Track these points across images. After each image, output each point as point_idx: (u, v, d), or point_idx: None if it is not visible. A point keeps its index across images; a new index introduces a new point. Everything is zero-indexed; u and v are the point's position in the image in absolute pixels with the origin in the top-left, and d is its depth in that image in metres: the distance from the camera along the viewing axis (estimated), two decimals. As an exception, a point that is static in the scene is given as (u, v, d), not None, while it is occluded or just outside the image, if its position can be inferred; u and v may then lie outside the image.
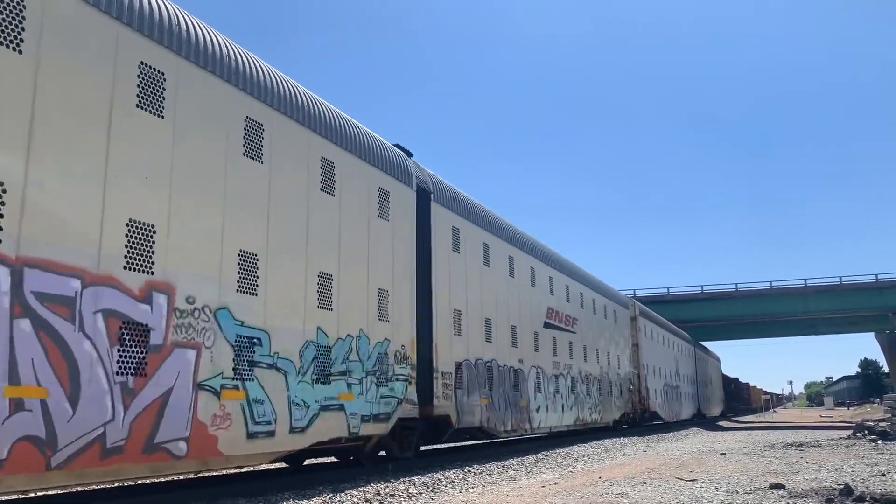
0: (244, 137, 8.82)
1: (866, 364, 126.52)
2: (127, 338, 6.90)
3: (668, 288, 54.37)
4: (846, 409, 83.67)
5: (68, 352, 6.32)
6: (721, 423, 47.21)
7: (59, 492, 9.20)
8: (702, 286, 53.83)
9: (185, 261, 7.75)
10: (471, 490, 9.61)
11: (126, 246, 7.05)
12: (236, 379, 8.28)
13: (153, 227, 7.40)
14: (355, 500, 8.54)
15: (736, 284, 53.25)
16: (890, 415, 32.32)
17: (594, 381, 24.08)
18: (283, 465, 13.15)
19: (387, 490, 9.29)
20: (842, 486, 8.64)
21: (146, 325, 7.16)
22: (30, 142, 6.27)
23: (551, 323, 20.25)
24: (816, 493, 8.53)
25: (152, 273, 7.32)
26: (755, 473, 11.14)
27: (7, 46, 6.20)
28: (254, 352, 8.62)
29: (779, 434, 27.23)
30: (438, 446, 17.11)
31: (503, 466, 13.03)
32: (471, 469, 12.30)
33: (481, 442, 18.28)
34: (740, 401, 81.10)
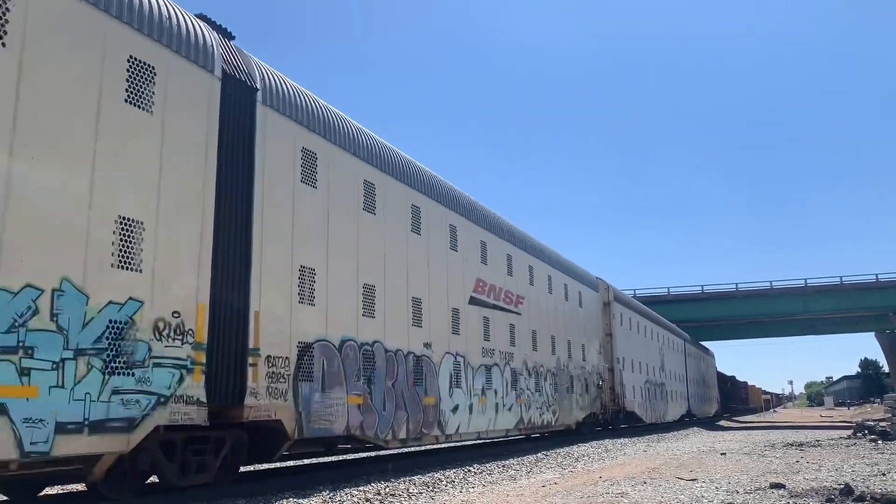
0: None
1: (866, 364, 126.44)
2: None
3: (668, 288, 54.38)
4: (846, 408, 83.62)
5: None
6: (721, 423, 47.18)
7: (60, 491, 9.20)
8: (702, 286, 53.82)
9: None
10: (471, 490, 9.61)
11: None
12: None
13: None
14: (355, 499, 8.54)
15: (736, 284, 53.25)
16: (890, 415, 32.28)
17: (548, 374, 19.91)
18: (283, 464, 13.15)
19: (387, 490, 9.29)
20: (842, 486, 8.64)
21: None
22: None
23: (482, 299, 16.10)
24: (817, 493, 8.52)
25: None
26: (755, 473, 11.13)
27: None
28: None
29: (779, 434, 27.23)
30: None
31: (503, 466, 13.03)
32: (471, 469, 12.29)
33: (481, 442, 18.14)
34: (738, 400, 78.48)
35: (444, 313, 14.29)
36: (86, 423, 6.76)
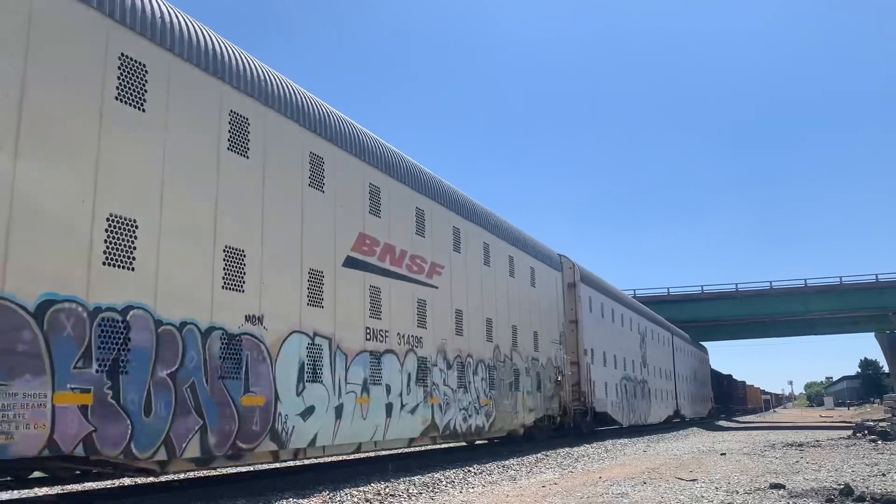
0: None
1: (866, 364, 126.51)
2: None
3: (668, 288, 54.41)
4: (846, 409, 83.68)
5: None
6: (720, 424, 47.17)
7: (60, 491, 9.20)
8: (702, 286, 53.85)
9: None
10: (471, 490, 9.61)
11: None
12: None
13: None
14: (355, 499, 8.54)
15: (736, 284, 53.27)
16: (890, 415, 32.29)
17: (480, 366, 15.39)
18: (283, 464, 13.14)
19: (387, 490, 9.30)
20: (842, 486, 8.64)
21: None
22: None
23: (368, 262, 11.70)
24: (816, 493, 8.52)
25: None
26: (755, 473, 11.14)
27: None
28: None
29: (779, 434, 27.24)
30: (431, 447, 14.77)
31: (503, 466, 13.03)
32: (471, 469, 12.30)
33: (481, 442, 18.10)
34: (735, 400, 74.58)
35: (292, 275, 9.81)
36: None
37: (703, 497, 8.38)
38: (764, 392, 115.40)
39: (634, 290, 51.13)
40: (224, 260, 8.60)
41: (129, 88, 7.58)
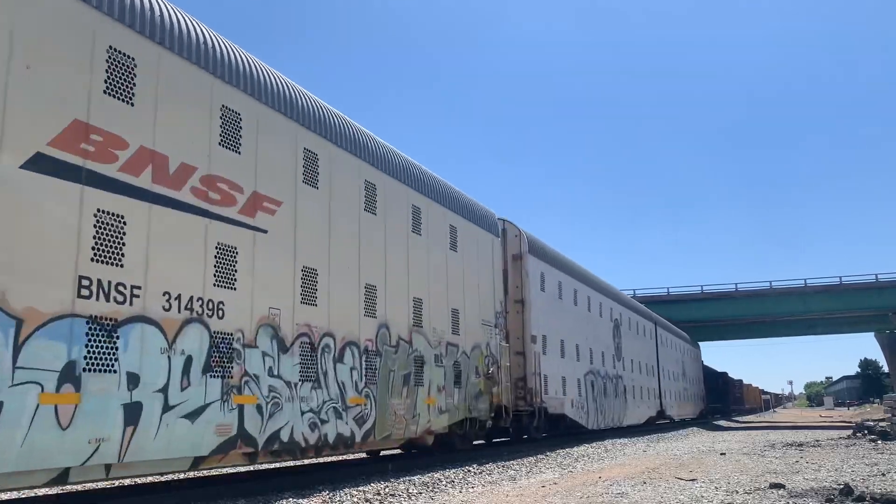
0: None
1: (866, 364, 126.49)
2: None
3: (667, 288, 54.44)
4: (846, 408, 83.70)
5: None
6: (720, 423, 47.16)
7: (60, 491, 9.20)
8: (702, 286, 53.87)
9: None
10: (471, 490, 9.62)
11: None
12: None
13: None
14: (355, 499, 8.55)
15: (736, 284, 53.29)
16: (890, 415, 32.30)
17: (350, 351, 10.94)
18: (283, 465, 13.15)
19: (387, 490, 9.30)
20: (842, 486, 8.65)
21: None
22: None
23: (102, 173, 7.22)
24: (816, 493, 8.53)
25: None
26: (755, 473, 11.14)
27: None
28: None
29: (778, 434, 27.25)
30: None
31: (503, 466, 13.04)
32: (471, 469, 12.30)
33: (480, 443, 17.91)
34: (732, 400, 69.78)
35: None
36: None
37: (702, 497, 8.39)
38: (764, 392, 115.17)
39: (634, 290, 51.19)
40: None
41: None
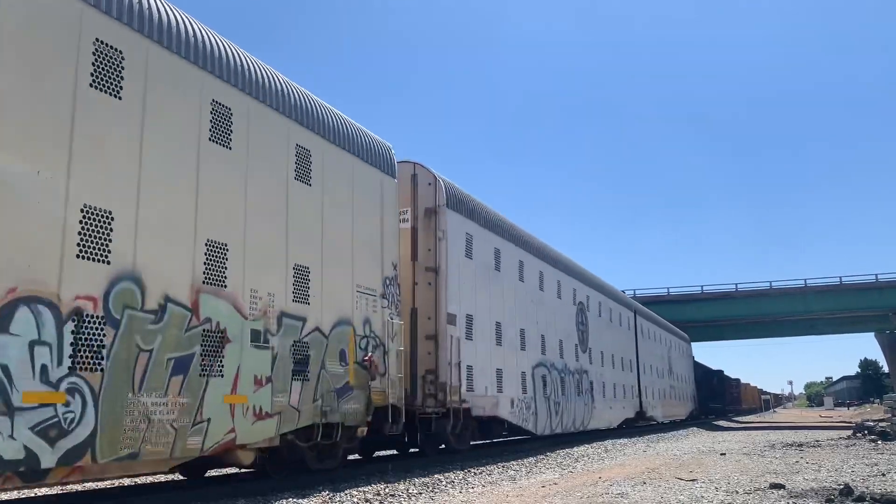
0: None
1: (866, 364, 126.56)
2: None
3: (668, 288, 54.51)
4: (846, 409, 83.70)
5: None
6: (720, 424, 47.16)
7: (60, 491, 9.20)
8: (702, 286, 53.96)
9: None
10: (471, 490, 9.62)
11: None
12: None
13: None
14: (355, 500, 8.55)
15: (736, 284, 53.39)
16: (890, 415, 32.34)
17: (38, 316, 6.29)
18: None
19: (387, 490, 9.30)
20: (842, 486, 8.65)
21: None
22: None
23: None
24: (816, 493, 8.53)
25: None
26: (755, 473, 11.14)
27: None
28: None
29: (778, 434, 27.25)
30: None
31: (503, 466, 13.04)
32: (471, 469, 12.30)
33: (480, 442, 17.37)
34: (728, 400, 65.58)
35: None
36: None
37: (702, 497, 8.39)
38: (764, 392, 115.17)
39: (634, 290, 51.22)
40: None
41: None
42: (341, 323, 10.57)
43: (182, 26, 8.34)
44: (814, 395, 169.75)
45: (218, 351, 8.29)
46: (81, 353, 6.63)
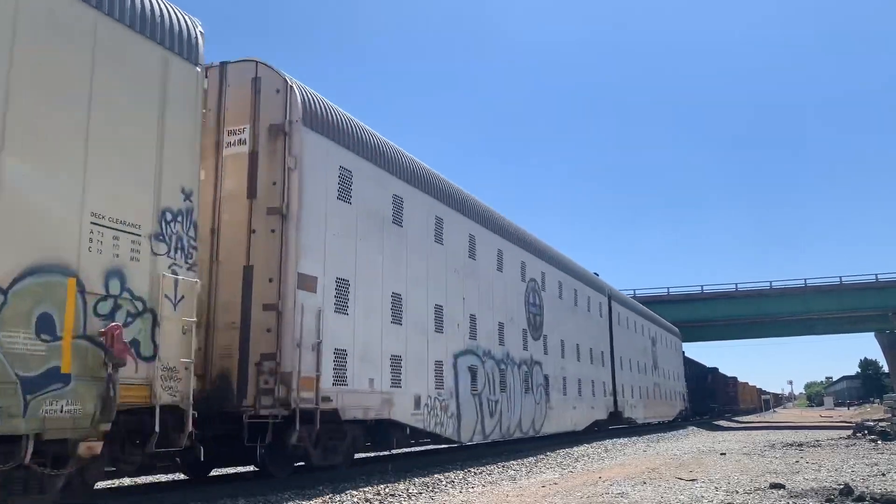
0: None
1: (866, 364, 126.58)
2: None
3: (668, 288, 54.49)
4: (846, 409, 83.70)
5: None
6: (720, 423, 47.17)
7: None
8: (702, 286, 53.96)
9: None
10: (471, 490, 9.62)
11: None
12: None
13: None
14: (355, 499, 8.55)
15: (736, 284, 53.42)
16: (890, 415, 32.33)
17: None
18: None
19: (387, 490, 9.30)
20: (842, 486, 8.66)
21: None
22: None
23: None
24: (816, 493, 8.54)
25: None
26: (755, 473, 11.15)
27: None
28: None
29: (778, 434, 27.26)
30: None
31: (503, 466, 13.04)
32: (471, 469, 12.31)
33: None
34: (724, 399, 61.62)
35: None
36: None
37: (703, 497, 8.39)
38: (764, 392, 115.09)
39: (634, 290, 51.17)
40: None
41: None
42: (45, 270, 6.43)
43: None
44: (814, 395, 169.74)
45: None
46: None
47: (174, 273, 7.76)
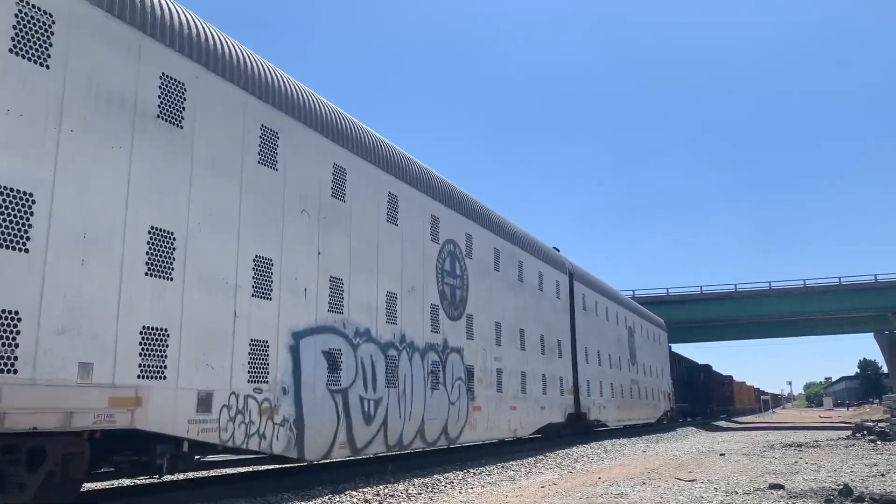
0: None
1: (865, 364, 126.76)
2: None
3: (667, 288, 54.46)
4: (845, 409, 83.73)
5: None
6: (719, 424, 47.15)
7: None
8: (701, 286, 53.93)
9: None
10: (470, 490, 9.63)
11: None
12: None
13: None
14: (355, 500, 8.56)
15: (735, 285, 53.36)
16: (889, 415, 32.30)
17: None
18: (283, 464, 13.14)
19: (386, 490, 9.31)
20: (841, 487, 8.66)
21: None
22: None
23: None
24: (815, 494, 8.54)
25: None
26: (754, 474, 11.15)
27: None
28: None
29: (778, 434, 27.26)
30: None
31: (503, 467, 13.04)
32: (470, 469, 12.31)
33: (480, 442, 16.39)
34: (718, 399, 58.22)
35: None
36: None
37: (702, 497, 8.40)
38: (763, 392, 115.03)
39: (634, 290, 51.15)
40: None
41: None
42: None
43: None
44: (813, 396, 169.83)
45: None
46: None
47: None
